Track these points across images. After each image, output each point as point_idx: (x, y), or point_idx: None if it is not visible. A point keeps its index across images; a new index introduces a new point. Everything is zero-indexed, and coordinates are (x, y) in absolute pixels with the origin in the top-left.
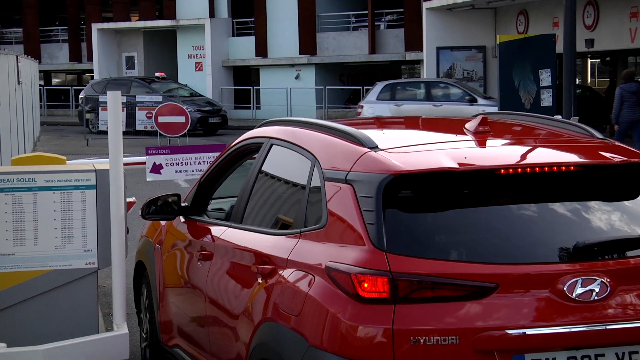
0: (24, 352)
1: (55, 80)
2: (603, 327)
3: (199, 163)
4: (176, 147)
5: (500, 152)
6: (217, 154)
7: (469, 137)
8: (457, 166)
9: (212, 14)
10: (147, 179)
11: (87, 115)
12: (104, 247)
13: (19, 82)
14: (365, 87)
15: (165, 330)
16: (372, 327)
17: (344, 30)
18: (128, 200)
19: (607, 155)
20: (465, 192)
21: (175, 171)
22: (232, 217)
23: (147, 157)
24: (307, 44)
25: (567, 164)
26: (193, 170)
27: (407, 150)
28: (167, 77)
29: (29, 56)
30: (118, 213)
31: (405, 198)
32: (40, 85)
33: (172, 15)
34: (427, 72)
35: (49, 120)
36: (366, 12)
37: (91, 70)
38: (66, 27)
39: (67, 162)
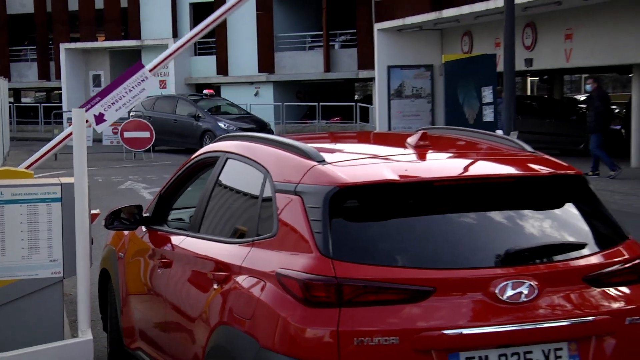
0: None
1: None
2: (531, 327)
3: (131, 90)
4: (103, 90)
5: (439, 165)
6: (140, 73)
7: (411, 151)
8: (398, 178)
9: (175, 34)
10: (98, 131)
11: (56, 131)
12: (69, 257)
13: None
14: (320, 104)
15: (127, 334)
16: (319, 329)
17: (300, 50)
18: (92, 212)
19: (536, 167)
20: (406, 202)
21: (116, 110)
22: (191, 227)
23: (86, 114)
24: (266, 63)
25: (500, 176)
26: (129, 100)
27: (352, 164)
28: (215, 95)
29: None
30: (83, 224)
31: (350, 208)
32: (10, 102)
33: (137, 36)
34: (379, 89)
35: (18, 136)
36: (321, 32)
37: (59, 88)
38: (35, 47)
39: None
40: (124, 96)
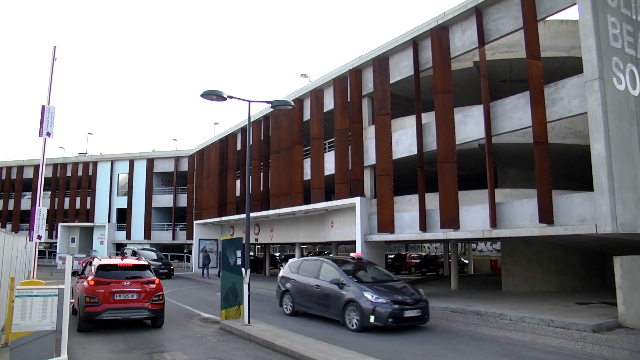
0: None
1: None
2: (129, 290)
3: (38, 219)
4: (30, 226)
5: (120, 261)
6: (37, 211)
7: (119, 259)
8: (109, 263)
9: (109, 220)
10: (42, 240)
11: (53, 262)
12: (59, 321)
13: (25, 247)
14: (170, 253)
15: (75, 302)
16: (93, 289)
17: (162, 230)
18: (70, 300)
19: (143, 262)
20: (110, 268)
21: (41, 229)
22: (83, 273)
23: (34, 241)
24: (147, 234)
25: (131, 265)
26: (42, 220)
27: (106, 260)
28: (361, 258)
29: (27, 236)
30: (66, 307)
31: (103, 268)
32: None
33: (92, 220)
34: (195, 248)
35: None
36: (171, 223)
37: (56, 243)
38: (47, 224)
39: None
40: (39, 223)
